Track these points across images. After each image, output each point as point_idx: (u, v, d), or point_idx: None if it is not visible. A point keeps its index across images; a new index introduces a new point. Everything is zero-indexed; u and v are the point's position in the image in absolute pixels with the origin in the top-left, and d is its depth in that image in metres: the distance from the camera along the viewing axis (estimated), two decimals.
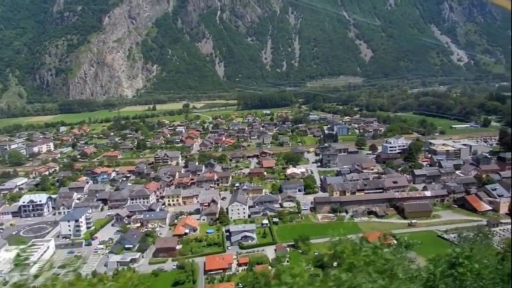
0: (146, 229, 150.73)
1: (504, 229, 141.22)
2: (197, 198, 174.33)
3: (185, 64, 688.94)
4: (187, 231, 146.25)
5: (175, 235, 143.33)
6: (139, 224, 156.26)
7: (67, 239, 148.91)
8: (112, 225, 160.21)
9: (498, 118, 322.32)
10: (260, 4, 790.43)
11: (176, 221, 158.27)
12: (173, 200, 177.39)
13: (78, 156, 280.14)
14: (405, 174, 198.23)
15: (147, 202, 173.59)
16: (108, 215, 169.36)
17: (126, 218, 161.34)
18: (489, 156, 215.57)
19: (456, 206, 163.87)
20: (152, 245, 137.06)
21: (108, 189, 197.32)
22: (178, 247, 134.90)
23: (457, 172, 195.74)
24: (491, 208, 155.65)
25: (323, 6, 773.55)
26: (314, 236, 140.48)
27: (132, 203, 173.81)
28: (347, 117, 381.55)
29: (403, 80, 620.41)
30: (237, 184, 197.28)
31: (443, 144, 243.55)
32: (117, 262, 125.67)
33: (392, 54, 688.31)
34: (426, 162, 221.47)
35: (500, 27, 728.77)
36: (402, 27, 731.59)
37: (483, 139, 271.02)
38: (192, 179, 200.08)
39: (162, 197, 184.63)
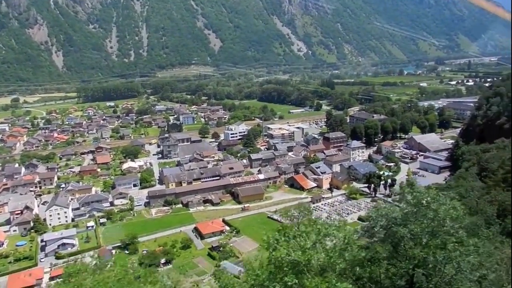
0: None
1: (325, 203, 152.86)
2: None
3: (14, 53, 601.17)
4: None
5: None
6: None
7: None
8: None
9: (328, 102, 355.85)
10: None
11: None
12: None
13: None
14: (243, 159, 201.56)
15: None
16: None
17: None
18: (318, 137, 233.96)
19: (287, 186, 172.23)
20: None
21: None
22: None
23: (290, 153, 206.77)
24: (315, 185, 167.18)
25: None
26: (145, 233, 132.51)
27: None
28: (195, 106, 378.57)
29: (251, 69, 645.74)
30: (63, 185, 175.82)
31: (280, 128, 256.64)
32: None
33: (240, 44, 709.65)
34: (264, 146, 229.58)
35: (331, 20, 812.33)
36: (248, 18, 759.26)
37: (315, 121, 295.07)
38: (6, 184, 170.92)
39: None
